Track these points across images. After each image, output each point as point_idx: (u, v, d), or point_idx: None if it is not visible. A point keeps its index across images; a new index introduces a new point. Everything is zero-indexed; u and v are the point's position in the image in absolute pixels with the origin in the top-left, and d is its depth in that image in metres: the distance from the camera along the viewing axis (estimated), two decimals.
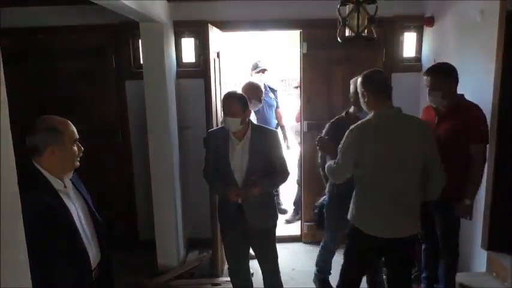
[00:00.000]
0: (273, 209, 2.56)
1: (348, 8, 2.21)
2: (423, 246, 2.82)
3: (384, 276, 2.60)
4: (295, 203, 4.46)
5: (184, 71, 3.61)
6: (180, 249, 3.50)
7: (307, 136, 3.73)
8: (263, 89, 3.56)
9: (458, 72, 2.47)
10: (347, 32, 2.23)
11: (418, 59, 3.69)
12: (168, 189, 3.34)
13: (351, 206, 2.22)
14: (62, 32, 3.58)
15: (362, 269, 2.36)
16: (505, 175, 2.49)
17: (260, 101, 3.36)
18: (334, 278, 2.78)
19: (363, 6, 2.14)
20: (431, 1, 3.43)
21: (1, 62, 0.86)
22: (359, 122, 2.14)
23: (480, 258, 2.72)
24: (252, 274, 2.94)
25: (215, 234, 3.15)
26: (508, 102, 2.44)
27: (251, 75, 4.23)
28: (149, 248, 3.43)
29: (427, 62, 3.56)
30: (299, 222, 4.05)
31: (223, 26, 3.41)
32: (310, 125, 3.71)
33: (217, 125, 3.07)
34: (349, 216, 2.23)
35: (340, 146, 2.15)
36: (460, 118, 2.43)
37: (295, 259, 3.61)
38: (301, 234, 3.93)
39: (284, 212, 4.51)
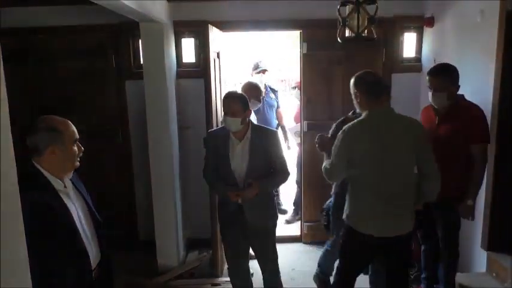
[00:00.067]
0: (273, 209, 2.56)
1: (348, 8, 2.21)
2: (423, 247, 2.82)
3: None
4: (295, 203, 4.46)
5: (184, 71, 3.62)
6: (180, 249, 3.50)
7: (307, 136, 3.73)
8: (263, 89, 3.56)
9: (459, 73, 2.47)
10: (347, 33, 2.24)
11: (418, 59, 3.69)
12: (168, 189, 3.34)
13: (345, 205, 2.24)
14: (62, 32, 3.58)
15: (357, 268, 2.36)
16: (505, 175, 2.49)
17: (259, 100, 3.36)
18: None
19: (363, 7, 2.14)
20: (431, 1, 3.43)
21: (1, 61, 0.86)
22: (352, 122, 2.16)
23: (480, 259, 2.72)
24: (252, 274, 2.95)
25: (215, 235, 3.15)
26: (508, 102, 2.44)
27: (252, 75, 4.24)
28: (149, 248, 3.43)
29: (427, 62, 3.57)
30: (299, 222, 4.05)
31: (223, 26, 3.41)
32: (310, 125, 3.71)
33: (217, 125, 3.07)
34: (343, 216, 2.25)
35: (333, 146, 2.17)
36: (461, 118, 2.43)
37: (295, 259, 3.61)
38: (301, 235, 3.93)
39: (284, 212, 4.51)
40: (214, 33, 3.13)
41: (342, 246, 2.35)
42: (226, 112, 2.32)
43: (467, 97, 2.53)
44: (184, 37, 3.58)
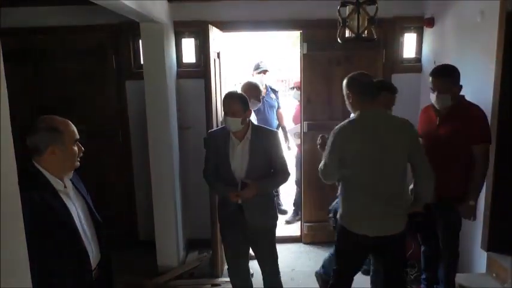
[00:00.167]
0: (273, 209, 2.56)
1: (348, 8, 2.21)
2: (423, 248, 2.82)
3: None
4: (295, 204, 4.47)
5: (184, 71, 3.62)
6: (179, 250, 3.50)
7: (307, 137, 3.73)
8: (262, 89, 3.56)
9: (460, 73, 2.48)
10: (347, 33, 2.23)
11: (418, 59, 3.69)
12: (168, 189, 3.34)
13: (339, 205, 2.26)
14: (62, 32, 3.58)
15: (352, 268, 2.37)
16: (505, 175, 2.49)
17: (259, 100, 3.36)
18: None
19: (363, 7, 2.14)
20: (431, 2, 3.44)
21: (1, 60, 0.86)
22: (343, 122, 2.18)
23: (480, 259, 2.72)
24: (252, 274, 2.95)
25: (215, 235, 3.15)
26: (508, 102, 2.44)
27: (252, 75, 4.24)
28: (149, 248, 3.43)
29: (427, 62, 3.57)
30: (299, 222, 4.05)
31: (223, 26, 3.41)
32: (310, 125, 3.71)
33: (217, 125, 3.07)
34: (337, 216, 2.26)
35: (326, 146, 2.20)
36: (462, 119, 2.43)
37: (295, 259, 3.61)
38: (301, 235, 3.93)
39: (284, 212, 4.52)
40: (214, 33, 3.13)
41: (337, 246, 2.38)
42: (227, 112, 2.32)
43: (468, 97, 2.53)
44: (184, 37, 3.58)
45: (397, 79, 3.56)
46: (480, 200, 2.59)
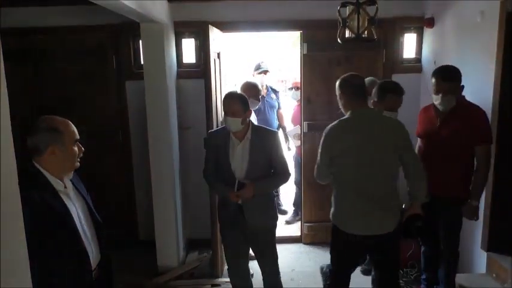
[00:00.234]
0: (273, 209, 2.56)
1: (348, 9, 2.21)
2: (423, 248, 2.82)
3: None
4: (294, 204, 4.47)
5: (184, 72, 3.62)
6: (179, 250, 3.50)
7: (308, 137, 3.73)
8: (261, 88, 3.56)
9: None
10: (347, 33, 2.24)
11: (418, 60, 3.69)
12: (168, 189, 3.34)
13: (332, 204, 2.28)
14: (62, 32, 3.58)
15: (346, 267, 2.38)
16: (505, 175, 2.49)
17: (258, 99, 3.36)
18: None
19: (363, 8, 2.14)
20: (431, 2, 3.44)
21: (2, 61, 0.86)
22: (334, 122, 2.21)
23: (480, 260, 2.72)
24: (252, 275, 2.95)
25: (215, 235, 3.15)
26: (508, 102, 2.44)
27: (253, 76, 4.25)
28: (149, 248, 3.43)
29: (427, 63, 3.57)
30: (299, 223, 4.05)
31: (223, 26, 3.41)
32: (310, 126, 3.71)
33: (217, 126, 3.07)
34: (330, 215, 2.29)
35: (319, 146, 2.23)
36: (463, 119, 2.43)
37: (295, 260, 3.61)
38: (301, 235, 3.93)
39: (284, 212, 4.52)
40: (214, 33, 3.13)
41: (330, 245, 2.40)
42: (227, 112, 2.33)
43: (468, 97, 2.53)
44: (184, 37, 3.58)
45: (397, 79, 3.53)
46: (480, 200, 2.59)
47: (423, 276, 2.85)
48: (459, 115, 2.44)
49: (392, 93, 2.53)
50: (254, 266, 2.76)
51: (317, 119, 3.68)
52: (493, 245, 2.58)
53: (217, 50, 3.23)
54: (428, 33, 3.54)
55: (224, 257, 3.00)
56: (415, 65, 3.69)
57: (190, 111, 3.63)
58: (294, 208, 4.47)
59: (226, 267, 2.99)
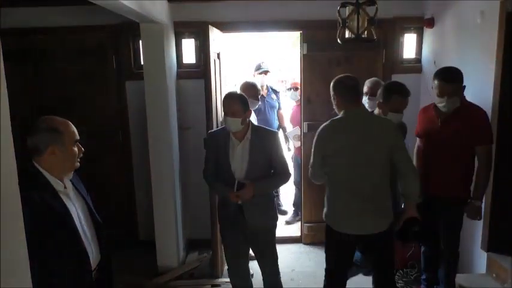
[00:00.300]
0: (273, 210, 2.56)
1: (348, 9, 2.21)
2: (422, 249, 2.82)
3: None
4: (294, 204, 4.47)
5: (184, 72, 3.62)
6: (179, 250, 3.50)
7: (308, 137, 3.73)
8: (260, 88, 3.56)
9: None
10: (347, 34, 2.24)
11: (418, 60, 3.69)
12: (168, 190, 3.34)
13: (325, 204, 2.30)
14: (62, 32, 3.58)
15: (341, 267, 2.39)
16: (505, 175, 2.49)
17: (257, 99, 3.36)
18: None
19: (362, 8, 2.14)
20: (431, 2, 3.44)
21: (1, 60, 0.86)
22: (326, 121, 2.23)
23: (480, 260, 2.72)
24: (252, 275, 2.95)
25: (215, 235, 3.15)
26: (508, 102, 2.44)
27: (254, 76, 4.25)
28: (149, 248, 3.43)
29: (427, 63, 3.57)
30: (299, 223, 4.05)
31: (223, 27, 3.41)
32: (310, 126, 3.71)
33: (217, 126, 3.07)
34: (323, 215, 2.31)
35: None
36: (464, 120, 2.43)
37: (295, 260, 3.61)
38: (301, 235, 3.93)
39: (284, 213, 4.52)
40: (214, 34, 3.13)
41: (325, 245, 2.41)
42: (227, 112, 2.33)
43: (468, 98, 2.53)
44: (184, 38, 3.58)
45: (397, 79, 3.54)
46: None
47: (423, 277, 2.85)
48: (460, 115, 2.44)
49: (398, 94, 2.50)
50: (254, 266, 2.76)
51: (317, 119, 3.66)
52: (493, 245, 2.58)
53: (217, 50, 3.23)
54: (428, 33, 3.54)
55: (224, 257, 3.00)
56: (415, 65, 3.68)
57: (190, 111, 3.63)
58: (294, 208, 4.47)
59: (226, 267, 2.99)
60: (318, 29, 3.49)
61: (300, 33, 3.61)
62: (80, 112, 3.54)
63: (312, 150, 2.25)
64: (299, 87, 4.00)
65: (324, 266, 2.44)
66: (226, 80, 3.67)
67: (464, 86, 2.45)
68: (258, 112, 3.97)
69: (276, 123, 4.36)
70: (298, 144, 4.02)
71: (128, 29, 3.50)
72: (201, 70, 3.41)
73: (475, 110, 2.45)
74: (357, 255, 2.84)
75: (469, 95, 2.54)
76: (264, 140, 2.40)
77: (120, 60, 3.65)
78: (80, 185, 1.73)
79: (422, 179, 2.61)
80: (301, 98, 3.77)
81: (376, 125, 2.22)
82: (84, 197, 1.71)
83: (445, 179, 2.49)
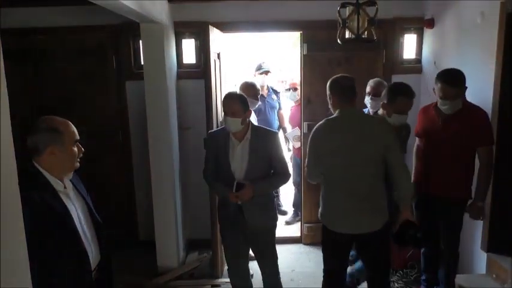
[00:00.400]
0: (272, 210, 2.56)
1: (348, 9, 2.21)
2: (422, 249, 2.82)
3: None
4: (294, 205, 4.46)
5: (184, 72, 3.62)
6: (179, 250, 3.50)
7: (307, 137, 3.72)
8: (259, 88, 3.56)
9: None
10: (347, 34, 2.24)
11: (418, 60, 3.69)
12: (168, 190, 3.34)
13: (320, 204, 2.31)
14: (62, 32, 3.58)
15: (339, 266, 2.39)
16: (505, 175, 2.49)
17: (257, 98, 3.36)
18: None
19: (363, 8, 2.14)
20: (431, 2, 3.44)
21: (1, 60, 0.86)
22: (322, 121, 2.25)
23: (480, 260, 2.72)
24: (252, 275, 2.95)
25: (215, 235, 3.15)
26: (508, 102, 2.44)
27: (254, 76, 4.25)
28: (149, 248, 3.43)
29: (427, 63, 3.57)
30: (299, 223, 4.05)
31: (223, 27, 3.41)
32: (310, 126, 3.70)
33: (217, 126, 3.07)
34: (318, 215, 2.33)
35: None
36: (464, 120, 2.43)
37: (295, 260, 3.61)
38: (301, 236, 3.93)
39: (284, 213, 4.52)
40: (214, 34, 3.13)
41: (322, 245, 2.43)
42: (226, 112, 2.33)
43: (468, 98, 2.53)
44: (184, 38, 3.58)
45: (397, 80, 3.56)
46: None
47: (423, 277, 2.85)
48: (461, 116, 2.44)
49: (403, 95, 2.47)
50: (254, 267, 2.76)
51: (317, 120, 3.61)
52: (493, 245, 2.58)
53: (217, 50, 3.23)
54: (428, 33, 3.54)
55: (224, 258, 3.00)
56: (415, 66, 3.68)
57: (190, 111, 3.63)
58: (293, 209, 4.47)
59: (226, 267, 2.99)
60: (318, 29, 3.49)
61: (300, 33, 3.61)
62: (80, 112, 3.54)
63: (307, 149, 2.26)
64: (298, 88, 4.00)
65: None
66: (226, 80, 3.67)
67: (466, 87, 2.45)
68: (258, 112, 3.97)
69: (277, 123, 4.36)
70: (298, 144, 4.02)
71: (128, 29, 3.50)
72: (201, 70, 3.41)
73: (475, 110, 2.44)
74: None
75: (469, 95, 2.54)
76: (263, 140, 2.40)
77: (120, 60, 3.65)
78: (80, 185, 1.73)
79: (422, 179, 2.62)
80: (301, 98, 3.77)
81: (372, 124, 2.23)
82: (84, 197, 1.71)
83: (445, 179, 2.49)
